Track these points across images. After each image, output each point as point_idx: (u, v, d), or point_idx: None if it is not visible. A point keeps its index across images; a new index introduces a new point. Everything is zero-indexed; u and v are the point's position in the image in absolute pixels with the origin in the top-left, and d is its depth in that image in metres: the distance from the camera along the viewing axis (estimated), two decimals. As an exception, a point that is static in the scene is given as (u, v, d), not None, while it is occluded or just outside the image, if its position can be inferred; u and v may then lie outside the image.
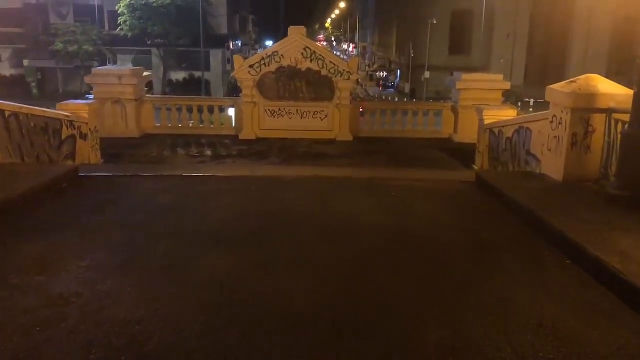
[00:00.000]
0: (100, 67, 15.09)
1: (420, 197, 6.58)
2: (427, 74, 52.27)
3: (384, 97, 56.57)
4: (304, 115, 14.54)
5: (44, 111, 9.04)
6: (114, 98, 14.24)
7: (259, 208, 5.94)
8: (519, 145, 8.86)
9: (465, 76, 14.26)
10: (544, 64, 54.50)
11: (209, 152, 13.12)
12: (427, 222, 5.60)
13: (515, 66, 54.72)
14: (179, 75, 50.29)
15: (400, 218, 5.71)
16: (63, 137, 9.60)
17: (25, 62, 47.71)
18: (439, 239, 5.11)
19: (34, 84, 47.89)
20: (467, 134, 14.17)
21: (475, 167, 10.89)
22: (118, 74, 14.19)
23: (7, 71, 49.35)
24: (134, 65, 49.94)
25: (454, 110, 14.64)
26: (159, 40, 46.56)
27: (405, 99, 53.87)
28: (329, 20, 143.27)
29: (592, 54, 53.38)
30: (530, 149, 8.31)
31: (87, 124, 10.62)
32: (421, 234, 5.22)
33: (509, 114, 10.52)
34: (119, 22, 44.38)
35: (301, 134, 14.44)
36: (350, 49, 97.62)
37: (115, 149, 12.96)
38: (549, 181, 6.94)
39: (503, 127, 9.63)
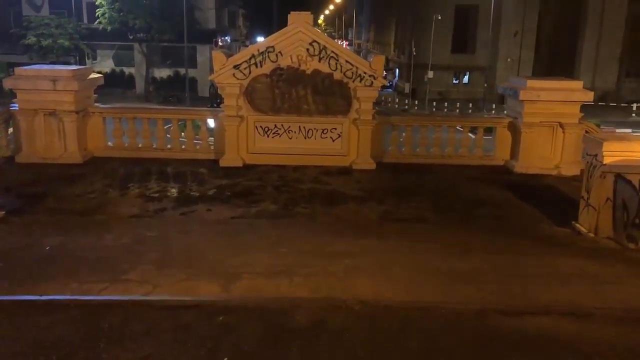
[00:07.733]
0: (26, 67, 10.99)
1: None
2: (430, 74, 49.11)
3: (382, 98, 52.87)
4: (309, 134, 10.57)
5: None
6: (46, 109, 10.26)
7: None
8: None
9: (532, 82, 10.29)
10: (552, 64, 51.23)
11: (173, 190, 9.12)
12: None
13: (523, 66, 51.61)
14: (163, 73, 46.92)
15: None
16: None
17: (-4, 57, 43.68)
18: None
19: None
20: (532, 161, 10.46)
21: (582, 228, 7.00)
22: (51, 76, 10.15)
23: (-24, 67, 45.34)
24: (114, 62, 46.73)
25: (513, 128, 10.71)
26: (141, 34, 43.03)
27: (406, 100, 50.24)
28: (321, 17, 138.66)
29: (604, 54, 50.45)
30: None
31: (-32, 159, 6.64)
32: None
33: (645, 148, 6.62)
34: (97, 14, 40.63)
35: (305, 159, 10.51)
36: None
37: (39, 185, 9.05)
38: None
39: (654, 175, 5.76)
